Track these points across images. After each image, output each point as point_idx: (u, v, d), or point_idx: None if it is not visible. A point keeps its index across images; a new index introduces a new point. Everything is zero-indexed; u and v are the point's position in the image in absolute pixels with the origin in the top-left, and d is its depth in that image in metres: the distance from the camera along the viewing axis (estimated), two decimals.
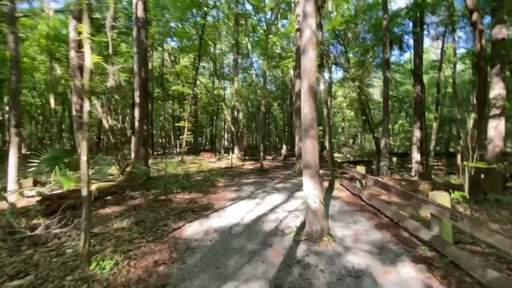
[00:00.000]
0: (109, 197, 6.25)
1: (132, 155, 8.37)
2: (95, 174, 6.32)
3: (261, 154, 11.81)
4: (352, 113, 25.37)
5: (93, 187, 5.78)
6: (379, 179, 7.21)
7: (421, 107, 12.63)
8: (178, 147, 25.17)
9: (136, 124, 8.16)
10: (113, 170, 9.01)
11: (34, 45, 17.11)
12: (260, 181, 9.40)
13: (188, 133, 14.82)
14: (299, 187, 8.31)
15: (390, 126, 26.55)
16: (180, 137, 16.58)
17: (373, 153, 20.00)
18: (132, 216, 4.94)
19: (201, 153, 13.50)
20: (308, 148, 4.04)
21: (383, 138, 8.78)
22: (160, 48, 26.84)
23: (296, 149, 12.07)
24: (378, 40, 10.19)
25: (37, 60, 17.68)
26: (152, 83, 27.13)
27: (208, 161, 16.02)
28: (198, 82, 26.79)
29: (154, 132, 33.09)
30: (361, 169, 6.77)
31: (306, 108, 4.10)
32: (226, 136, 29.47)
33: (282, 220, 4.88)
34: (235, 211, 5.39)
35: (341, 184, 8.25)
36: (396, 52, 23.93)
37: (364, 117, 11.35)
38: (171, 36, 15.12)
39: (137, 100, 8.19)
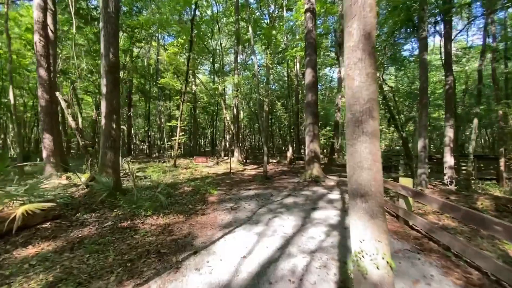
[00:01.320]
0: (47, 224, 4.35)
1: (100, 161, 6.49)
2: (29, 191, 4.45)
3: (265, 158, 9.87)
4: None
5: (19, 210, 3.91)
6: (432, 195, 5.22)
7: (454, 102, 10.67)
8: (171, 150, 23.37)
9: (102, 121, 6.29)
10: (82, 179, 7.17)
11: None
12: (263, 193, 7.46)
13: (181, 133, 12.93)
14: (314, 202, 6.35)
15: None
16: (172, 138, 14.64)
17: (390, 155, 17.94)
18: (56, 266, 3.03)
19: (194, 157, 11.52)
20: (363, 157, 2.07)
21: (421, 138, 6.84)
22: (155, 43, 25.18)
23: (306, 152, 10.11)
24: (410, 14, 8.21)
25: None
26: (149, 82, 25.49)
27: (204, 166, 14.12)
28: (197, 80, 25.06)
29: (151, 133, 31.36)
30: (406, 181, 4.81)
31: (358, 79, 2.12)
32: (227, 137, 27.64)
33: (304, 276, 2.93)
34: (226, 254, 3.45)
35: None
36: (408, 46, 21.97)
37: (388, 114, 9.45)
38: (162, 26, 13.30)
39: (103, 89, 6.32)
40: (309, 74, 9.94)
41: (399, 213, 4.76)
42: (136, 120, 36.24)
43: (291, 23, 21.27)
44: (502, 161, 9.45)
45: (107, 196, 5.39)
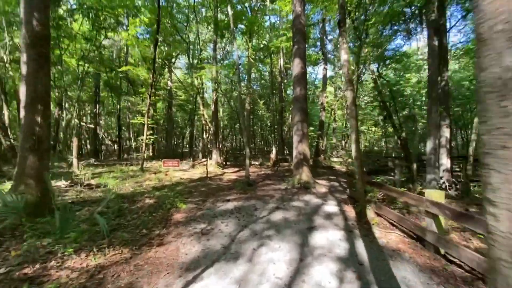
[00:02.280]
0: None
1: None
2: None
3: (247, 162, 8.46)
4: (340, 112, 22.80)
5: None
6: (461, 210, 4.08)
7: (449, 98, 9.95)
8: (140, 151, 21.21)
9: (22, 113, 4.53)
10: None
11: None
12: (245, 205, 6.04)
13: (149, 133, 11.15)
14: (309, 218, 5.04)
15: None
16: (139, 138, 12.69)
17: (377, 157, 17.29)
18: None
19: (163, 160, 9.83)
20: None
21: (430, 139, 5.83)
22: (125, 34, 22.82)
23: (293, 154, 8.85)
24: None
25: None
26: (119, 75, 23.01)
27: (178, 170, 12.41)
28: (174, 76, 23.01)
29: (124, 133, 28.69)
30: (437, 195, 3.62)
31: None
32: (206, 137, 25.71)
33: None
34: None
35: (379, 214, 5.10)
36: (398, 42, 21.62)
37: (385, 112, 8.52)
38: (125, 6, 11.35)
39: (23, 69, 4.56)
40: (297, 65, 8.69)
41: (427, 237, 3.56)
42: (110, 118, 33.22)
43: (275, 19, 20.09)
44: None
45: (17, 220, 3.68)
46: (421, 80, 12.94)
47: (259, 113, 28.90)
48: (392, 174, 8.76)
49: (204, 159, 15.02)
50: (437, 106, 5.84)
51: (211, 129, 13.38)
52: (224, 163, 16.12)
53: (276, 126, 17.72)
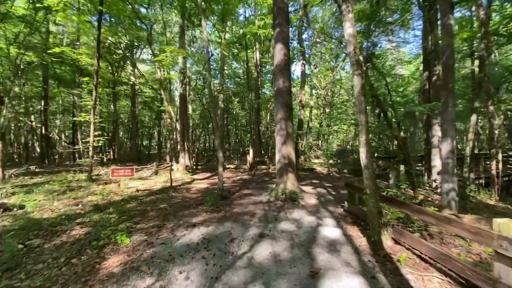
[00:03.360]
0: None
1: None
2: None
3: (220, 169, 6.81)
4: (316, 111, 22.01)
5: None
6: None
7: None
8: (103, 154, 18.44)
9: None
10: None
11: None
12: (217, 234, 4.39)
13: (96, 133, 8.97)
14: (308, 252, 3.56)
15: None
16: (84, 140, 10.27)
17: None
18: None
19: (112, 169, 7.76)
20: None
21: (446, 139, 4.71)
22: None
23: (276, 158, 7.40)
24: None
25: None
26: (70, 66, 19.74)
27: (133, 179, 10.32)
28: (138, 71, 20.40)
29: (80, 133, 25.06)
30: None
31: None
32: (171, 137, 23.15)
33: None
34: None
35: (397, 241, 3.79)
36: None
37: (378, 109, 7.47)
38: None
39: None
40: (279, 52, 7.24)
41: None
42: (65, 117, 29.07)
43: (250, 12, 18.58)
44: (493, 164, 8.21)
45: None
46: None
47: (234, 111, 27.26)
48: (390, 177, 7.71)
49: (174, 163, 13.00)
50: (453, 98, 4.77)
51: (177, 127, 11.48)
52: (194, 167, 14.24)
53: (252, 126, 16.26)
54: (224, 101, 22.66)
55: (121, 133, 31.37)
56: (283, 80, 7.15)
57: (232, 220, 5.12)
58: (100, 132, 9.77)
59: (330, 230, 4.50)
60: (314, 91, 23.31)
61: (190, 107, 14.37)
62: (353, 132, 26.24)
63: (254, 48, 15.85)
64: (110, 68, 19.62)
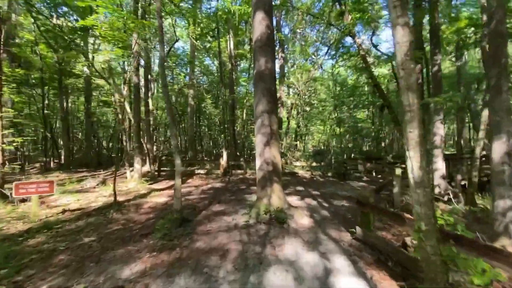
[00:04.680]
0: None
1: None
2: None
3: (178, 182, 4.75)
4: (294, 111, 20.69)
5: None
6: None
7: (442, 88, 8.18)
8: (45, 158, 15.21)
9: None
10: None
11: None
12: None
13: (4, 132, 6.44)
14: None
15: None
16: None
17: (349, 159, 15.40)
18: None
19: (15, 184, 5.33)
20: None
21: (500, 137, 3.27)
22: None
23: (257, 164, 5.56)
24: None
25: None
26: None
27: (69, 192, 7.87)
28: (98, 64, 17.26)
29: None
30: None
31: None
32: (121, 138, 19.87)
33: None
34: None
35: None
36: None
37: (383, 106, 6.11)
38: None
39: None
40: (260, 23, 5.44)
41: None
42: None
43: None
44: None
45: None
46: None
47: (207, 111, 25.07)
48: (393, 184, 6.27)
49: (131, 169, 10.51)
50: (507, 78, 3.36)
51: (130, 124, 9.20)
52: (156, 173, 11.91)
53: (226, 125, 14.32)
54: (195, 97, 20.46)
55: (79, 134, 27.54)
56: (266, 59, 5.35)
57: (190, 268, 3.18)
58: (11, 130, 7.17)
59: (348, 283, 2.77)
60: (291, 90, 22.02)
61: (151, 102, 12.03)
62: (330, 132, 25.45)
63: (228, 37, 13.96)
64: (55, 56, 16.41)
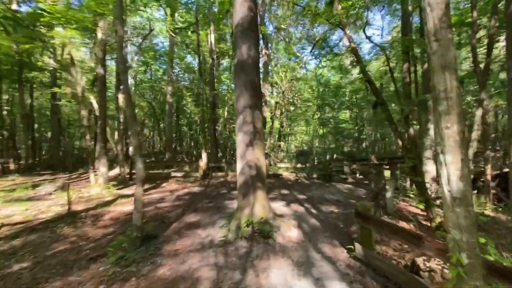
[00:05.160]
0: None
1: None
2: None
3: (138, 191, 3.86)
4: (278, 111, 20.12)
5: None
6: None
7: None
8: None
9: None
10: None
11: None
12: None
13: None
14: None
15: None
16: None
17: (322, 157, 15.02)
18: None
19: None
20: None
21: None
22: None
23: (238, 167, 4.79)
24: None
25: None
26: None
27: (25, 200, 6.68)
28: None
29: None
30: None
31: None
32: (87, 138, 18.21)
33: None
34: None
35: None
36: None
37: (377, 103, 5.55)
38: None
39: None
40: (242, 5, 4.69)
41: None
42: None
43: None
44: (488, 168, 6.96)
45: None
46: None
47: (188, 109, 23.93)
48: (386, 188, 5.76)
49: (96, 172, 9.28)
50: None
51: (97, 123, 8.08)
52: (128, 176, 10.79)
53: (206, 124, 13.40)
54: (174, 95, 19.30)
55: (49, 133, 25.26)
56: (248, 46, 4.61)
57: None
58: None
59: None
60: (275, 90, 21.46)
61: (121, 97, 10.85)
62: (313, 133, 25.22)
63: (209, 30, 13.06)
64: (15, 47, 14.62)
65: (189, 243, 3.94)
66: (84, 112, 8.20)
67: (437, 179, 8.04)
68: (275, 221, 4.54)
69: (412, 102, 5.17)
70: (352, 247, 3.33)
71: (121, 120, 11.43)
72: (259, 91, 4.79)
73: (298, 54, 17.50)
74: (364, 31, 6.34)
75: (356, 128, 20.99)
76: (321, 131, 22.70)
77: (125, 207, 6.44)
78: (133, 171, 11.40)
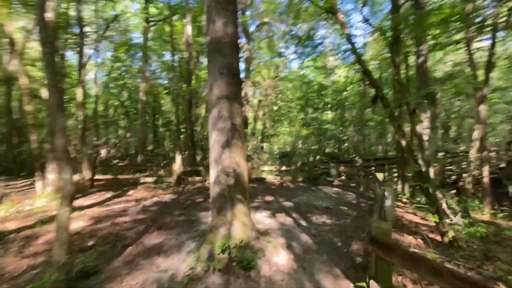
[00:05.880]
0: None
1: None
2: None
3: (60, 217, 2.74)
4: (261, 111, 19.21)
5: None
6: None
7: (427, 81, 7.29)
8: None
9: None
10: None
11: None
12: None
13: None
14: None
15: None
16: None
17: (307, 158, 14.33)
18: None
19: None
20: None
21: None
22: None
23: (212, 174, 3.76)
24: None
25: None
26: None
27: None
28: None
29: None
30: None
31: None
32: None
33: None
34: None
35: None
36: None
37: (376, 96, 4.81)
38: None
39: None
40: None
41: None
42: None
43: None
44: (486, 171, 6.47)
45: None
46: None
47: (165, 109, 22.52)
48: (385, 195, 5.00)
49: (43, 179, 7.74)
50: None
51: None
52: (89, 184, 9.34)
53: (185, 124, 12.18)
54: (148, 92, 17.80)
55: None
56: (224, 22, 3.62)
57: None
58: None
59: None
60: (257, 91, 20.56)
61: (81, 91, 9.38)
62: (296, 134, 24.63)
63: (185, 20, 11.90)
64: None
65: (141, 281, 2.87)
66: (29, 107, 6.77)
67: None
68: (259, 241, 3.58)
69: (418, 94, 4.44)
70: (365, 285, 2.44)
71: (80, 117, 9.92)
72: (238, 79, 3.82)
73: (281, 51, 16.78)
74: (361, 12, 5.63)
75: (340, 129, 20.65)
76: (304, 132, 22.15)
77: (75, 223, 5.16)
78: (97, 177, 9.96)
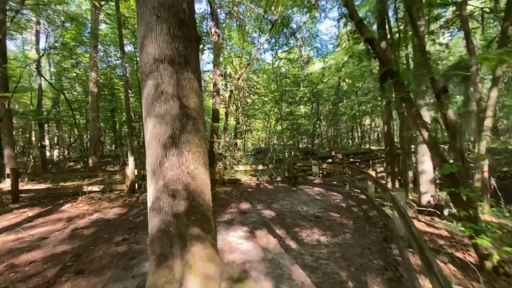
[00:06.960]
0: None
1: None
2: None
3: None
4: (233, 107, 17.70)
5: None
6: None
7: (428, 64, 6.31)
8: None
9: None
10: None
11: None
12: None
13: None
14: None
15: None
16: None
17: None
18: None
19: None
20: None
21: None
22: None
23: (150, 195, 2.19)
24: None
25: None
26: None
27: None
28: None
29: None
30: None
31: None
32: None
33: None
34: None
35: None
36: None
37: (386, 73, 3.73)
38: None
39: None
40: None
41: None
42: None
43: None
44: (485, 166, 5.74)
45: None
46: None
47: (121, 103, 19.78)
48: (395, 198, 3.88)
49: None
50: None
51: None
52: (10, 196, 7.10)
53: (136, 123, 10.20)
54: (99, 83, 15.23)
55: None
56: None
57: None
58: None
59: None
60: (229, 84, 18.92)
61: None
62: (271, 129, 23.50)
63: None
64: None
65: None
66: None
67: (438, 182, 6.67)
68: None
69: (447, 71, 3.32)
70: None
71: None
72: (192, 30, 2.29)
73: (254, 41, 15.35)
74: None
75: (316, 123, 19.93)
76: (279, 127, 21.08)
77: None
78: (27, 187, 7.71)
